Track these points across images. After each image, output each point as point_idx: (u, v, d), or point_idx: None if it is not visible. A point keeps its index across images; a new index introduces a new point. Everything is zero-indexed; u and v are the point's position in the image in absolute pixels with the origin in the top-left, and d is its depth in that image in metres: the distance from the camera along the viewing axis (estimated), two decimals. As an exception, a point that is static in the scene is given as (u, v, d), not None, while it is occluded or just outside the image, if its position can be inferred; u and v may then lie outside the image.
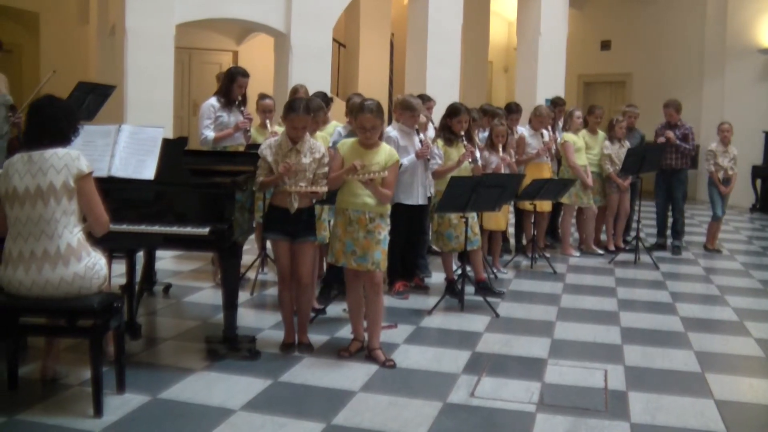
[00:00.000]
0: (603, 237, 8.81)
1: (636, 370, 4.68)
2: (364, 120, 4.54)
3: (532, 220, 7.86)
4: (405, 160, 5.85)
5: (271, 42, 10.86)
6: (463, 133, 6.12)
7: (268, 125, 6.58)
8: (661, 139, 8.51)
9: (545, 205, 7.81)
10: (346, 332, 5.08)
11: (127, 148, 4.46)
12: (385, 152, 4.63)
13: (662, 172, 8.71)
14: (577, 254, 8.35)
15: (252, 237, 6.32)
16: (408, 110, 6.02)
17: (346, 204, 4.60)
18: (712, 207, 8.96)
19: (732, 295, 6.80)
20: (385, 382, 4.31)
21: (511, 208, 8.19)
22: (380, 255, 4.57)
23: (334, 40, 11.20)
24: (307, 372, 4.41)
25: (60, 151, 3.66)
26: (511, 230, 8.51)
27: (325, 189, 4.55)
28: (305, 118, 4.58)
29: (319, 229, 5.07)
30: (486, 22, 15.32)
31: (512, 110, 8.22)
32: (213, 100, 6.55)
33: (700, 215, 12.15)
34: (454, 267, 6.41)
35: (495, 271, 7.25)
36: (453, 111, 6.17)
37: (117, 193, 4.28)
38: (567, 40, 13.25)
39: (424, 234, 6.69)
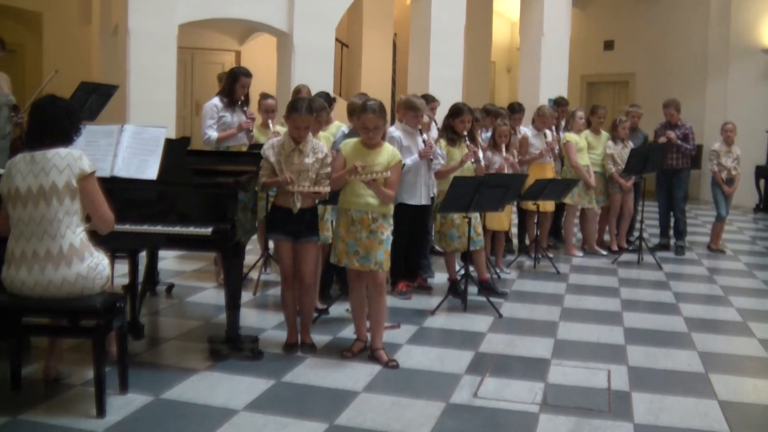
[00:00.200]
0: (606, 237, 8.79)
1: (639, 370, 4.66)
2: (367, 120, 4.53)
3: (535, 221, 7.86)
4: (408, 160, 5.84)
5: (273, 42, 10.86)
6: (466, 133, 6.12)
7: (270, 125, 6.58)
8: (663, 139, 8.49)
9: (548, 205, 7.80)
10: (349, 332, 5.08)
11: (129, 148, 4.46)
12: (387, 152, 4.62)
13: (663, 172, 8.70)
14: (581, 254, 8.34)
15: (254, 237, 6.32)
16: (411, 110, 6.02)
17: (349, 204, 4.59)
18: (715, 207, 8.94)
19: (735, 296, 6.78)
20: (388, 383, 4.30)
21: (514, 209, 8.19)
22: (383, 255, 4.56)
23: (337, 40, 11.20)
24: (310, 372, 4.41)
25: (62, 151, 3.65)
26: (514, 230, 8.51)
27: (327, 189, 4.55)
28: (308, 118, 4.57)
29: (321, 229, 5.06)
30: (489, 22, 15.31)
31: (515, 110, 8.22)
32: (216, 100, 6.54)
33: (704, 215, 12.13)
34: (457, 267, 6.41)
35: (498, 271, 7.24)
36: (456, 111, 6.16)
37: (119, 193, 4.27)
38: (570, 40, 13.25)
39: (427, 234, 6.68)
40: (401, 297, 6.19)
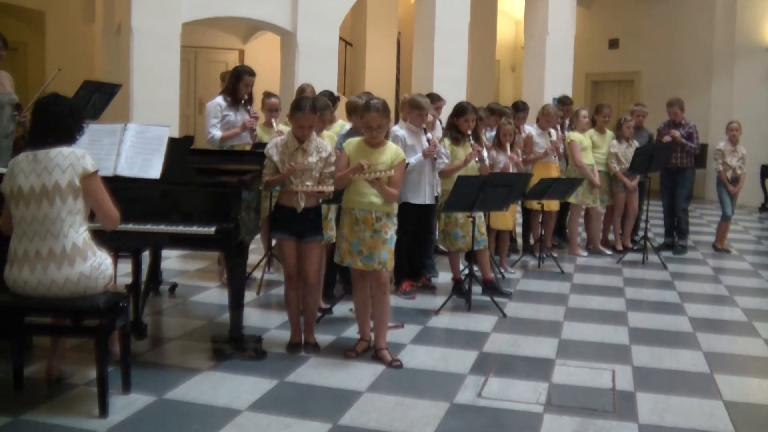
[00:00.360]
0: (611, 237, 8.77)
1: (644, 370, 4.64)
2: (370, 119, 4.52)
3: (540, 220, 7.84)
4: (412, 159, 5.83)
5: (277, 41, 10.85)
6: (470, 132, 6.10)
7: (274, 124, 6.57)
8: (667, 138, 8.46)
9: (553, 205, 7.78)
10: (352, 332, 5.07)
11: (133, 147, 4.45)
12: (391, 151, 4.61)
13: (667, 171, 8.67)
14: (585, 254, 8.32)
15: (258, 236, 6.31)
16: (416, 109, 6.00)
17: (353, 203, 4.58)
18: (721, 207, 8.91)
19: (741, 296, 6.75)
20: (392, 383, 4.29)
21: (519, 208, 8.16)
22: (387, 254, 4.55)
23: (341, 38, 11.21)
24: (314, 372, 4.40)
25: (65, 150, 3.64)
26: (519, 230, 8.48)
27: (331, 188, 4.54)
28: (312, 117, 4.56)
29: (325, 228, 5.05)
30: (493, 20, 15.30)
31: (519, 109, 8.20)
32: (219, 99, 6.54)
33: (709, 215, 12.10)
34: (461, 267, 6.39)
35: (502, 270, 7.22)
36: (460, 110, 6.14)
37: (123, 192, 4.24)
38: (575, 38, 13.21)
39: (431, 233, 6.67)
40: (405, 296, 6.17)
